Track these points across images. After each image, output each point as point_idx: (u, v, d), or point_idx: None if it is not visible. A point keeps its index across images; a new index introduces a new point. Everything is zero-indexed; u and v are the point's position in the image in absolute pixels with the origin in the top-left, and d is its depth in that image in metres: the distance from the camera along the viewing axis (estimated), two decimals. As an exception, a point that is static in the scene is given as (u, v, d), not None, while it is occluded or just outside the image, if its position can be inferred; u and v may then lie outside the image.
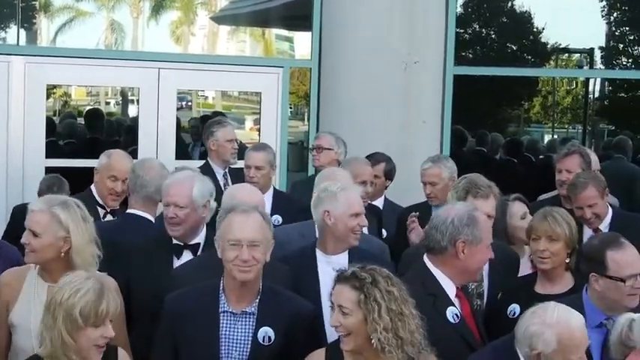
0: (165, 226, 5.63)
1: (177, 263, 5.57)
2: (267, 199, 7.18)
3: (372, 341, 4.29)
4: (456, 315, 4.85)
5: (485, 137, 13.05)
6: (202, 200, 5.72)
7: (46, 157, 8.70)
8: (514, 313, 5.29)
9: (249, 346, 4.65)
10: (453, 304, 4.89)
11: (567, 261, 5.52)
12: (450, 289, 4.95)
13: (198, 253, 5.58)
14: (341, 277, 4.39)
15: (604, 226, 6.61)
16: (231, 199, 5.59)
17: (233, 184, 7.56)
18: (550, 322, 4.25)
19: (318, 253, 5.56)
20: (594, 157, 7.73)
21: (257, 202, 5.55)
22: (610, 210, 6.72)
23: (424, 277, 4.96)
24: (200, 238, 5.67)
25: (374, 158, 7.85)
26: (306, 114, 10.15)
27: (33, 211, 4.82)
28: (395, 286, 4.38)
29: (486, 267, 5.66)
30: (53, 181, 7.62)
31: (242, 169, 7.64)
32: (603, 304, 4.92)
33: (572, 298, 5.04)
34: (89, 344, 4.18)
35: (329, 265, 5.24)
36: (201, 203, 5.69)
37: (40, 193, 7.59)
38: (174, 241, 5.62)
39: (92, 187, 6.94)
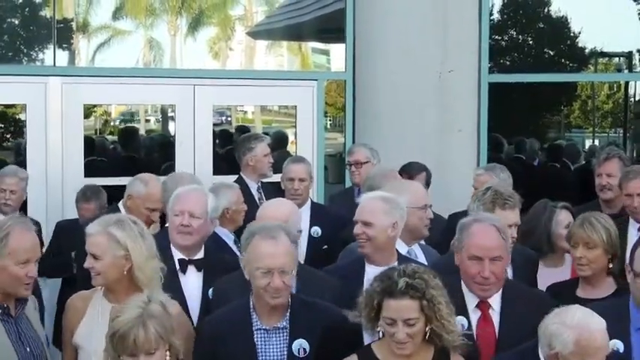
0: (171, 237, 5.64)
1: (182, 279, 5.61)
2: (306, 211, 7.29)
3: (428, 337, 4.34)
4: (462, 326, 4.77)
5: (523, 144, 12.99)
6: (214, 214, 5.82)
7: (87, 175, 8.75)
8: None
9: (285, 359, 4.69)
10: (465, 315, 4.85)
11: (610, 266, 5.47)
12: (470, 299, 4.93)
13: (202, 270, 5.61)
14: (395, 292, 4.31)
15: None
16: (262, 210, 5.67)
17: (267, 198, 7.61)
18: (570, 324, 4.22)
19: (367, 265, 5.54)
20: None
21: (289, 215, 5.60)
22: None
23: (456, 281, 4.99)
24: (202, 254, 5.73)
25: (414, 168, 7.91)
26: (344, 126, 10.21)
27: (90, 234, 4.83)
28: (436, 277, 4.43)
29: (510, 273, 5.61)
30: (88, 188, 7.76)
31: (274, 183, 7.69)
32: None
33: (618, 301, 5.05)
34: None
35: None
36: (212, 217, 5.81)
37: (77, 201, 7.74)
38: (180, 256, 5.65)
39: (120, 205, 6.97)
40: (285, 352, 4.68)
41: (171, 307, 4.64)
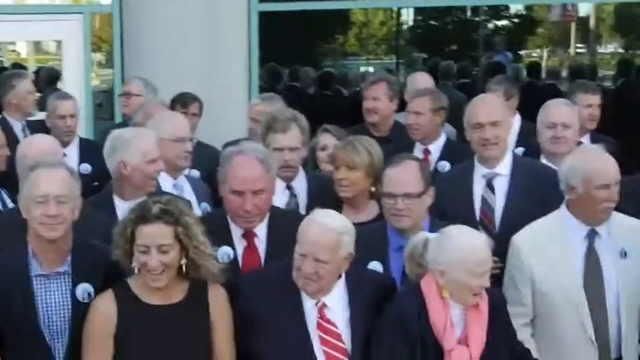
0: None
1: None
2: (74, 148, 7.33)
3: (184, 266, 4.30)
4: (228, 256, 4.77)
5: (297, 72, 13.07)
6: None
7: None
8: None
9: (69, 306, 4.47)
10: (230, 244, 4.81)
11: (372, 189, 5.47)
12: (235, 229, 4.89)
13: None
14: (149, 217, 4.25)
15: (435, 148, 6.73)
16: (26, 151, 5.45)
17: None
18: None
19: (116, 199, 5.42)
20: (426, 78, 8.09)
21: (53, 151, 5.43)
22: (444, 137, 6.83)
23: (221, 213, 4.98)
24: None
25: (187, 97, 7.84)
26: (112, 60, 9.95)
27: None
28: (192, 209, 4.48)
29: (304, 200, 5.72)
30: None
31: (40, 121, 7.44)
32: None
33: (378, 224, 5.14)
34: None
35: None
36: None
37: None
38: None
39: None
40: (69, 299, 4.47)
41: None
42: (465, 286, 4.31)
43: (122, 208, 5.20)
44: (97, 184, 6.56)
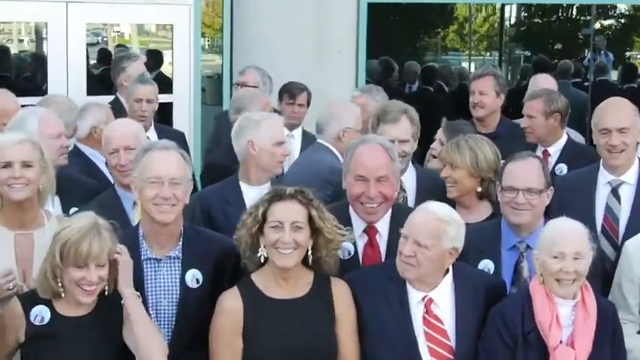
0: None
1: None
2: (152, 133, 7.20)
3: (318, 253, 4.35)
4: (349, 252, 4.78)
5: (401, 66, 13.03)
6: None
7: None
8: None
9: (177, 291, 4.48)
10: (351, 241, 4.77)
11: (479, 190, 5.32)
12: (358, 224, 4.87)
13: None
14: (284, 196, 4.30)
15: (554, 151, 6.61)
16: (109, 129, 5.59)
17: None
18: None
19: (243, 185, 5.43)
20: (548, 80, 7.83)
21: (136, 134, 5.49)
22: (564, 138, 6.69)
23: (344, 207, 4.94)
24: None
25: (296, 87, 7.92)
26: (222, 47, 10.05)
27: (20, 142, 4.62)
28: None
29: (412, 195, 5.61)
30: None
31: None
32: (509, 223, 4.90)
33: (492, 222, 5.07)
34: (71, 285, 4.15)
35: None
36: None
37: None
38: None
39: None
40: (178, 284, 4.49)
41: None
42: (546, 269, 4.30)
43: (249, 194, 5.27)
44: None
